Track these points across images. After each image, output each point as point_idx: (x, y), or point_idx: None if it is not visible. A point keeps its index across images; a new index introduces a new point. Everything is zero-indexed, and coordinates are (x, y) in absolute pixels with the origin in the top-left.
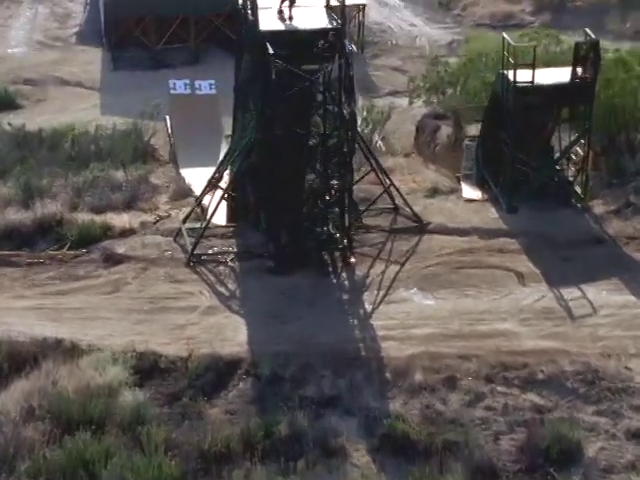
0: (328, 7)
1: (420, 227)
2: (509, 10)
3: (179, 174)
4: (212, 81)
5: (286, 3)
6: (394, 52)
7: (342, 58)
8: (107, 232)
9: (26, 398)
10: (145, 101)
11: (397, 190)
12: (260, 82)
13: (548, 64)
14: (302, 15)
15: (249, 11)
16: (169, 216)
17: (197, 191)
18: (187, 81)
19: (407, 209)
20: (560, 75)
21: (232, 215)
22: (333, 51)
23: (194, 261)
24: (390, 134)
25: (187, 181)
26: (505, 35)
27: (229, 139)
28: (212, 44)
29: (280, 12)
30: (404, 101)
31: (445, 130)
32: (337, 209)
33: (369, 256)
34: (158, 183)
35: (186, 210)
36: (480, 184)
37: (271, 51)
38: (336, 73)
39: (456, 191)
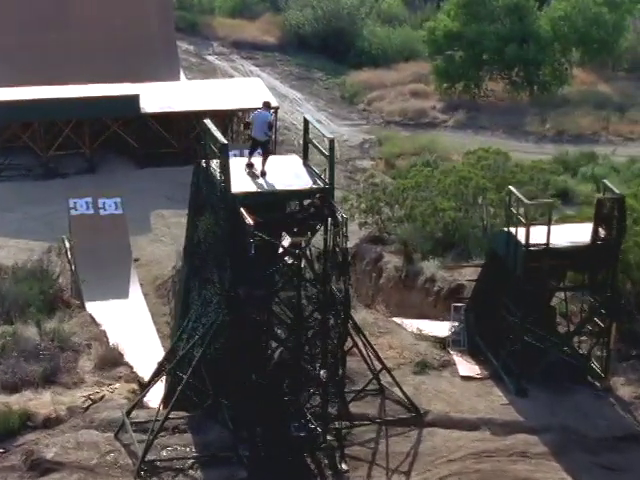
0: (306, 161)
1: (417, 418)
2: (419, 107)
3: (85, 309)
4: (118, 199)
5: (255, 154)
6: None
7: (333, 226)
8: (27, 422)
9: None
10: (38, 219)
11: (387, 371)
12: (229, 254)
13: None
14: (276, 170)
15: (213, 165)
16: (102, 397)
17: (127, 354)
18: (89, 199)
19: (396, 390)
20: (576, 234)
21: (170, 395)
22: (321, 218)
23: (145, 469)
24: None
25: (113, 342)
26: (513, 189)
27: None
28: (110, 151)
29: (250, 166)
30: None
31: (390, 260)
32: (319, 399)
33: (361, 460)
34: (77, 342)
35: (120, 386)
36: (473, 353)
37: (250, 222)
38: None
39: (448, 365)
